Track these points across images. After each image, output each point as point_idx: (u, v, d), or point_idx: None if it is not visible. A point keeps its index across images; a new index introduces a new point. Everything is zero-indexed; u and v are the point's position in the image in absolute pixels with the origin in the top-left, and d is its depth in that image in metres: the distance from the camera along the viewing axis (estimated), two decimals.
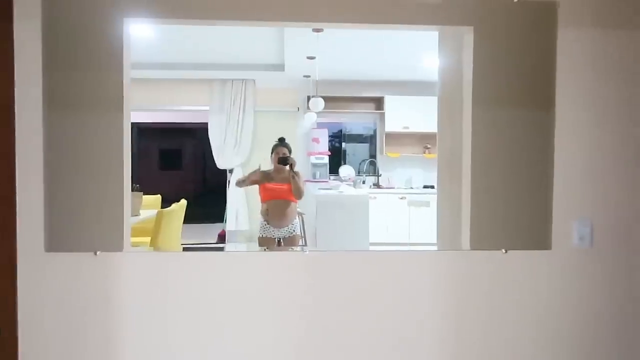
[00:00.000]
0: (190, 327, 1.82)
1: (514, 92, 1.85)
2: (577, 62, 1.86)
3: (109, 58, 1.75)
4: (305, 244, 3.68)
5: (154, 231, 3.55)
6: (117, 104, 1.76)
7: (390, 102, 5.88)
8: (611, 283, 1.90)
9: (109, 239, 1.77)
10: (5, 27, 1.71)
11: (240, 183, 3.61)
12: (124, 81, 1.76)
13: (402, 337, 1.87)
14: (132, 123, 1.83)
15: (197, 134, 6.77)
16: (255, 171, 3.50)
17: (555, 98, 1.85)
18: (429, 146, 5.86)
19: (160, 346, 1.81)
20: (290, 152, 3.47)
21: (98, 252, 1.76)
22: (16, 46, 1.72)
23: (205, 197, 6.99)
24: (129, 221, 1.83)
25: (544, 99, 1.86)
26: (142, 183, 3.95)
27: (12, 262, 1.74)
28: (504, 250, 1.87)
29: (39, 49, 1.72)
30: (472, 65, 1.85)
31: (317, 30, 3.45)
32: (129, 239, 1.82)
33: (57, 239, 1.75)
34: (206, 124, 5.64)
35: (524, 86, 1.85)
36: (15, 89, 1.73)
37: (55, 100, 1.73)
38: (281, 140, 3.53)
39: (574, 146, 1.87)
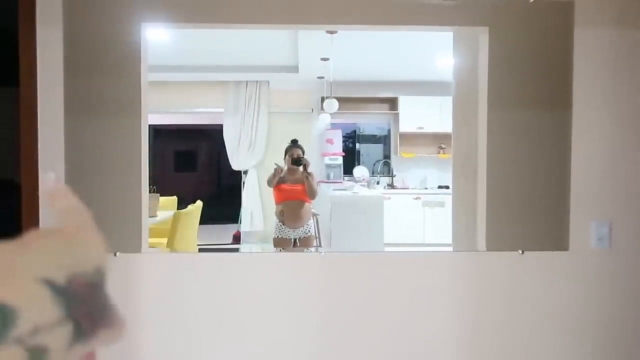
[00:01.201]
0: (207, 327, 1.84)
1: (530, 93, 1.84)
2: (594, 61, 1.84)
3: (127, 62, 1.77)
4: (320, 245, 3.69)
5: (171, 232, 3.60)
6: (134, 108, 1.78)
7: (405, 103, 5.86)
8: (630, 284, 1.87)
9: (127, 240, 1.80)
10: (29, 31, 1.75)
11: (270, 182, 3.59)
12: (142, 85, 1.79)
13: (419, 339, 1.87)
14: (148, 125, 1.86)
15: (212, 135, 6.82)
16: (278, 168, 3.49)
17: (572, 98, 1.84)
18: (443, 146, 5.82)
19: (179, 346, 1.83)
20: (303, 153, 3.48)
21: (117, 253, 1.79)
22: (39, 51, 1.76)
23: (220, 198, 7.03)
24: (147, 223, 1.86)
25: (561, 98, 1.84)
26: (158, 185, 4.00)
27: None
28: (520, 251, 1.85)
29: (61, 53, 1.75)
30: (487, 66, 1.84)
31: (331, 32, 3.47)
32: (147, 240, 1.85)
33: None
34: (221, 125, 5.68)
35: (540, 86, 1.83)
36: (38, 93, 1.77)
37: (75, 104, 1.77)
38: (294, 142, 3.55)
39: (592, 146, 1.85)
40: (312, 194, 3.43)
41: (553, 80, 1.84)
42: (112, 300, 0.34)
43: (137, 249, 1.80)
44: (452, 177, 2.32)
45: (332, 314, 1.86)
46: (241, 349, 1.85)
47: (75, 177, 1.77)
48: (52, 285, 0.30)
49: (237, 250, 5.55)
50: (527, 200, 1.84)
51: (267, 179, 3.57)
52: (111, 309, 0.35)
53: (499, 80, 1.84)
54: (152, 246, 3.42)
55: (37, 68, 1.75)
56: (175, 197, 4.84)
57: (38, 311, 0.29)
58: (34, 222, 1.78)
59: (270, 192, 3.57)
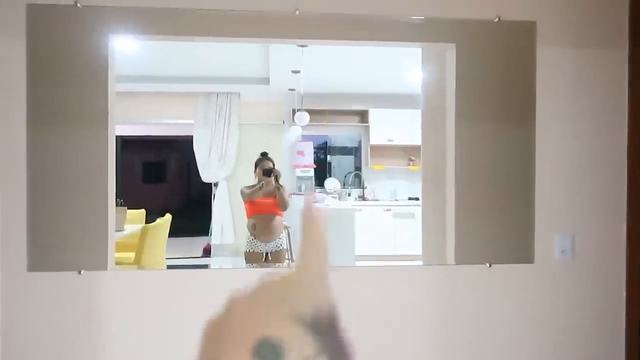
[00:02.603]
0: (175, 347, 1.79)
1: (496, 108, 1.87)
2: (556, 78, 1.90)
3: (94, 74, 1.73)
4: (292, 259, 3.67)
5: (139, 247, 3.51)
6: (101, 119, 1.74)
7: (375, 115, 5.92)
8: (592, 294, 1.92)
9: (93, 257, 1.74)
10: None
11: (245, 194, 3.50)
12: (109, 95, 1.75)
13: (390, 353, 1.87)
14: (116, 136, 1.81)
15: (181, 146, 6.73)
16: (259, 183, 3.43)
17: (535, 113, 1.88)
18: (413, 158, 5.90)
19: None
20: (273, 165, 3.47)
21: (82, 271, 1.73)
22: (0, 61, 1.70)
23: (190, 211, 6.92)
24: (114, 238, 1.81)
25: (524, 114, 1.88)
26: (126, 197, 3.91)
27: None
28: (488, 264, 1.88)
29: (24, 65, 1.70)
30: (454, 81, 1.88)
31: (302, 45, 3.48)
32: (113, 257, 1.79)
33: (40, 258, 1.72)
34: (191, 136, 5.60)
35: (505, 102, 1.88)
36: None
37: (39, 116, 1.71)
38: (264, 155, 3.54)
39: (555, 161, 1.90)
40: (283, 205, 3.42)
41: (517, 96, 1.89)
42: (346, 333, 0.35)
43: (102, 266, 1.74)
44: (422, 189, 2.34)
45: None
46: None
47: (39, 190, 1.71)
48: (304, 320, 0.32)
49: (207, 265, 5.46)
50: (494, 213, 1.88)
51: (241, 188, 3.51)
52: (348, 342, 0.36)
53: (465, 95, 1.87)
54: (118, 260, 3.33)
55: None
56: (143, 210, 4.74)
57: (299, 346, 0.30)
58: None
59: (241, 205, 3.54)
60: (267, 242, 3.43)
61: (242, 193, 3.48)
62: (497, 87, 1.87)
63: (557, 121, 1.90)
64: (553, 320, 1.91)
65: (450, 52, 1.90)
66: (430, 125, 2.15)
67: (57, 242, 1.72)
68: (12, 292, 1.72)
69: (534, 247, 1.88)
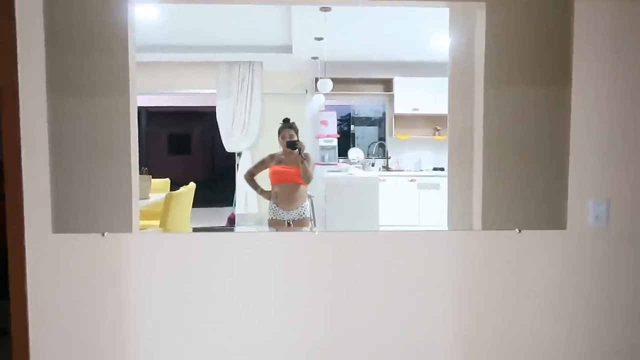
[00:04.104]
0: (199, 307, 1.81)
1: (529, 69, 1.80)
2: (595, 35, 1.80)
3: (113, 40, 1.72)
4: (315, 226, 3.66)
5: (163, 213, 3.55)
6: (122, 87, 1.73)
7: (400, 84, 5.80)
8: (627, 262, 1.86)
9: (117, 221, 1.76)
10: (6, 7, 1.68)
11: (246, 176, 3.51)
12: (130, 63, 1.73)
13: (414, 318, 1.85)
14: (140, 107, 1.81)
15: (205, 118, 6.74)
16: (265, 158, 3.43)
17: (572, 74, 1.80)
18: (438, 128, 5.79)
19: (170, 326, 1.81)
20: (296, 132, 3.43)
21: (106, 233, 1.75)
22: (18, 28, 1.69)
23: (214, 181, 6.98)
24: (137, 203, 1.82)
25: (560, 75, 1.80)
26: (152, 167, 3.94)
27: (20, 243, 1.74)
28: (517, 230, 1.83)
29: (42, 30, 1.69)
30: (484, 43, 1.80)
31: (325, 9, 3.39)
32: (137, 221, 1.81)
33: (65, 221, 1.74)
34: (214, 107, 5.61)
35: (538, 63, 1.80)
36: (19, 72, 1.71)
37: (59, 83, 1.71)
38: (286, 121, 3.48)
39: (591, 123, 1.82)
40: (307, 178, 3.39)
41: (552, 55, 1.80)
42: None
43: (127, 229, 1.76)
44: (448, 159, 2.29)
45: (325, 292, 1.83)
46: (235, 327, 1.82)
47: (62, 156, 1.72)
48: None
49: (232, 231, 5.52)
50: (524, 179, 1.82)
51: (247, 170, 3.50)
52: None
53: (495, 58, 1.80)
54: (144, 228, 3.38)
55: (17, 47, 1.69)
56: (168, 179, 4.79)
57: None
58: (18, 204, 1.73)
59: (265, 174, 3.53)
60: (289, 211, 3.42)
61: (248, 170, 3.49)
62: (530, 48, 1.79)
63: (595, 81, 1.81)
64: (585, 289, 1.86)
65: (480, 12, 1.81)
66: (458, 92, 2.07)
67: (81, 205, 1.74)
68: (38, 253, 1.75)
69: (567, 212, 1.82)
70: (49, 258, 1.75)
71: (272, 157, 3.44)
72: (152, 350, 1.81)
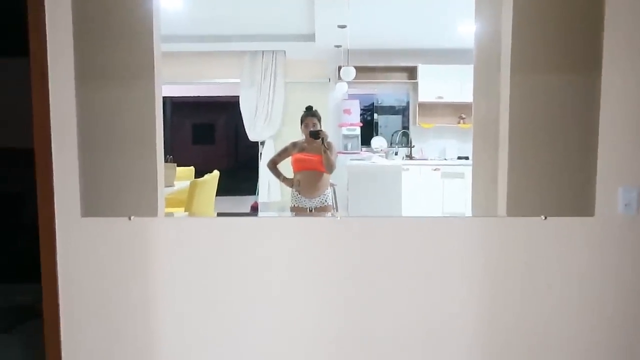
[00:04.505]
0: (223, 290, 1.84)
1: (556, 56, 1.76)
2: (627, 20, 1.75)
3: (139, 28, 1.75)
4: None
5: (188, 200, 3.61)
6: (148, 76, 1.76)
7: (424, 71, 5.73)
8: None
9: (143, 206, 1.80)
10: None
11: (270, 165, 3.55)
12: (155, 53, 1.76)
13: (437, 304, 1.85)
14: (165, 97, 1.84)
15: (229, 108, 6.78)
16: (289, 145, 3.45)
17: (602, 60, 1.75)
18: (463, 116, 5.70)
19: (194, 305, 1.84)
20: (319, 120, 3.42)
21: (132, 217, 1.79)
22: (47, 17, 1.73)
23: (237, 170, 7.04)
24: (163, 190, 1.85)
25: (589, 62, 1.76)
26: (176, 158, 3.99)
27: (51, 227, 1.79)
28: (543, 217, 1.80)
29: (70, 17, 1.73)
30: (511, 29, 1.77)
31: None
32: (163, 206, 1.84)
33: (93, 205, 1.79)
34: (238, 97, 5.64)
35: (567, 48, 1.75)
36: (49, 61, 1.75)
37: (87, 72, 1.75)
38: (309, 109, 3.48)
39: (622, 110, 1.78)
40: (329, 167, 3.38)
41: (581, 42, 1.76)
42: None
43: (153, 213, 1.80)
44: (473, 146, 2.26)
45: (347, 278, 1.84)
46: (259, 309, 1.85)
47: (89, 143, 1.77)
48: None
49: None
50: (550, 166, 1.78)
51: (270, 158, 3.52)
52: None
53: (522, 43, 1.76)
54: (169, 215, 3.43)
55: (47, 36, 1.73)
56: (192, 168, 4.85)
57: None
58: (49, 189, 1.78)
59: (287, 162, 3.54)
60: (312, 198, 3.43)
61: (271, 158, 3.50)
62: (558, 33, 1.75)
63: (625, 66, 1.76)
64: (613, 278, 1.82)
65: None
66: (483, 79, 2.04)
67: (108, 190, 1.78)
68: (68, 236, 1.81)
69: (595, 199, 1.78)
70: (79, 241, 1.81)
71: (294, 145, 3.45)
72: (178, 328, 1.85)
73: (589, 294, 1.83)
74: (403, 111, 6.10)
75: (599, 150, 1.78)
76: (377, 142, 5.85)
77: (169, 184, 3.67)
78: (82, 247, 1.81)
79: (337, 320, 1.85)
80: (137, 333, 1.84)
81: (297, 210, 3.45)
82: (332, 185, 3.62)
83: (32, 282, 1.94)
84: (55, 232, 1.79)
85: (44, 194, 1.78)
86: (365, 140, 5.86)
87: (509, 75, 1.78)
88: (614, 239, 1.81)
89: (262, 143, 5.67)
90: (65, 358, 1.83)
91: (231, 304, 1.85)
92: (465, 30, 4.35)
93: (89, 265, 1.82)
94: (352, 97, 5.67)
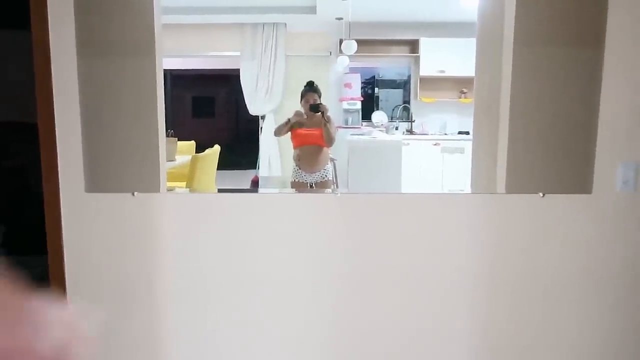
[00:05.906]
0: (225, 266, 1.88)
1: (560, 29, 1.74)
2: None
3: (139, 1, 1.72)
4: (337, 187, 3.69)
5: (189, 175, 3.62)
6: (149, 48, 1.75)
7: (426, 45, 5.66)
8: None
9: (146, 181, 1.82)
10: None
11: (278, 132, 3.57)
12: (155, 25, 1.74)
13: (436, 281, 1.88)
14: (165, 70, 1.83)
15: (230, 81, 6.72)
16: (293, 116, 3.45)
17: (605, 34, 1.73)
18: (465, 90, 5.66)
19: (197, 283, 1.88)
20: (320, 96, 3.41)
21: (135, 193, 1.81)
22: None
23: (238, 144, 7.02)
24: (165, 164, 1.86)
25: (592, 35, 1.74)
26: (177, 131, 3.99)
27: (56, 200, 1.81)
28: (541, 194, 1.82)
29: None
30: (514, 1, 1.74)
31: None
32: (165, 182, 1.86)
33: (96, 181, 1.81)
34: (238, 70, 5.59)
35: (570, 22, 1.73)
36: (50, 34, 1.74)
37: (88, 43, 1.74)
38: (310, 85, 3.46)
39: (623, 85, 1.77)
40: (329, 141, 3.39)
41: (585, 16, 1.73)
42: None
43: (155, 189, 1.82)
44: (473, 122, 2.26)
45: (347, 254, 1.87)
46: (259, 286, 1.89)
47: (91, 117, 1.77)
48: None
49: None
50: (550, 142, 1.79)
51: (275, 127, 3.52)
52: None
53: (526, 17, 1.74)
54: (171, 189, 3.45)
55: (48, 9, 1.72)
56: (193, 142, 4.85)
57: None
58: (52, 161, 1.79)
59: (287, 137, 3.54)
60: (312, 173, 3.45)
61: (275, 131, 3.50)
62: (562, 6, 1.72)
63: (630, 41, 1.74)
64: (610, 255, 1.84)
65: None
66: (486, 53, 2.02)
67: (111, 166, 1.80)
68: (72, 212, 1.83)
69: (593, 176, 1.79)
70: (83, 216, 1.83)
71: (297, 114, 3.44)
72: (179, 301, 1.89)
73: (587, 270, 1.86)
74: (404, 85, 6.06)
75: (599, 126, 1.78)
76: (378, 116, 5.82)
77: (171, 159, 3.68)
78: (86, 222, 1.83)
79: (336, 296, 1.89)
80: (141, 307, 1.88)
81: (298, 186, 3.47)
82: (332, 160, 3.63)
83: (40, 255, 1.97)
84: (59, 205, 1.82)
85: (48, 168, 1.80)
86: (366, 115, 5.83)
87: (511, 48, 1.76)
88: (611, 216, 1.83)
89: (263, 117, 5.65)
90: None
91: (231, 278, 1.88)
92: (468, 2, 4.28)
93: (94, 240, 1.84)
94: (353, 70, 5.61)
